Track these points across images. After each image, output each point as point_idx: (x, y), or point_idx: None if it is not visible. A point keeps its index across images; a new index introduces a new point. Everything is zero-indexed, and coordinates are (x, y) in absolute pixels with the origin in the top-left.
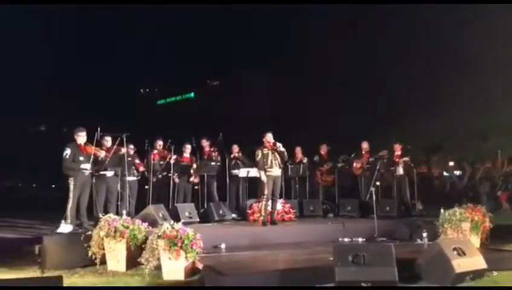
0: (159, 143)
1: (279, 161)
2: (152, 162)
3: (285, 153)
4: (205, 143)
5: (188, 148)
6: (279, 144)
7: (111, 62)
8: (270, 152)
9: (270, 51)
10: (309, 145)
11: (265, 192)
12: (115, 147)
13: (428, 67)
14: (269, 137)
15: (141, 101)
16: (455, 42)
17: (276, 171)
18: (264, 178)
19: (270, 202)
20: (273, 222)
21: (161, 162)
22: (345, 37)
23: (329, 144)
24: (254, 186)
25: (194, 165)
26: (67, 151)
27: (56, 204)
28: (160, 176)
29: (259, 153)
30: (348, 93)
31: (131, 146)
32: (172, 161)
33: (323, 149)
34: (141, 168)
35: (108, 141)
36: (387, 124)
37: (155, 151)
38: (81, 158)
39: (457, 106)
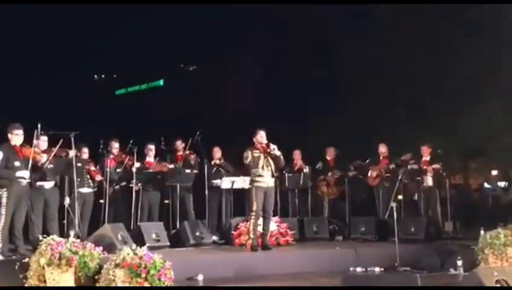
0: (115, 146)
1: (273, 168)
2: (108, 169)
3: (282, 158)
4: (180, 146)
5: (151, 149)
6: (273, 146)
7: (57, 40)
8: (262, 155)
9: (262, 29)
10: (311, 149)
11: (254, 208)
12: (56, 149)
13: (465, 50)
14: (261, 136)
15: (95, 90)
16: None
17: (268, 181)
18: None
19: (260, 221)
20: (265, 247)
21: (118, 170)
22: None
23: (337, 146)
24: (241, 201)
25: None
26: None
27: None
28: (117, 187)
29: (248, 155)
30: (359, 83)
31: (85, 149)
32: (134, 169)
33: (330, 154)
34: (98, 177)
35: (44, 141)
36: (412, 121)
37: (111, 156)
38: (17, 164)
39: (502, 99)
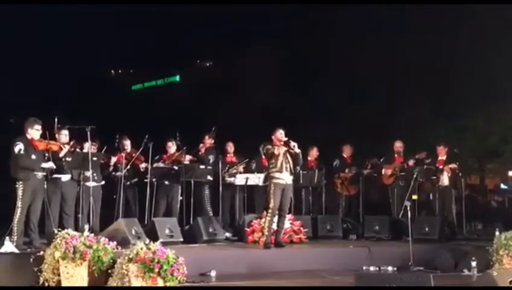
0: (126, 144)
1: (291, 165)
2: (120, 165)
3: (300, 156)
4: (208, 140)
5: (170, 146)
6: (293, 143)
7: (72, 34)
8: (281, 152)
9: (279, 25)
10: (326, 146)
11: (271, 205)
12: (72, 142)
13: (483, 50)
14: (280, 134)
15: (111, 85)
16: None
17: (287, 179)
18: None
19: (275, 218)
20: (279, 244)
21: (127, 168)
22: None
23: (352, 143)
24: (254, 198)
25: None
26: (20, 146)
27: None
28: (128, 183)
29: (270, 150)
30: (374, 79)
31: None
32: (142, 169)
33: (347, 151)
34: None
35: (65, 135)
36: (428, 119)
37: (123, 154)
38: (33, 156)
39: None
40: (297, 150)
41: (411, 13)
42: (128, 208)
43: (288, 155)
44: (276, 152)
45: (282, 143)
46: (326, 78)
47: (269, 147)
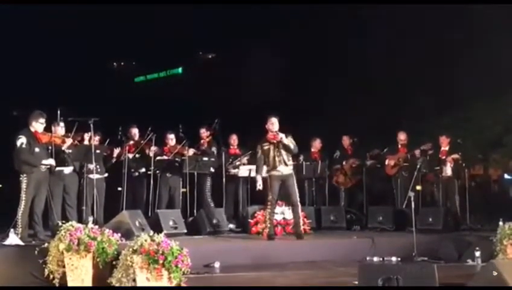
0: (134, 132)
1: (285, 157)
2: (127, 155)
3: (291, 146)
4: (204, 134)
5: (171, 138)
6: (281, 135)
7: (75, 27)
8: (271, 147)
9: (280, 17)
10: (328, 137)
11: (269, 197)
12: (72, 134)
13: (486, 40)
14: (272, 123)
15: (114, 77)
16: None
17: (283, 170)
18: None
19: (277, 210)
20: (299, 236)
21: (137, 155)
22: None
23: (355, 135)
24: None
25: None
26: (23, 140)
27: (3, 208)
28: (136, 173)
29: (258, 150)
30: (377, 71)
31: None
32: (151, 153)
33: (345, 142)
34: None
35: (61, 127)
36: (431, 110)
37: (130, 142)
38: (37, 150)
39: None
40: (285, 141)
41: (413, 6)
42: (134, 199)
43: (279, 148)
44: (266, 148)
45: (273, 133)
46: (329, 70)
47: (257, 149)
